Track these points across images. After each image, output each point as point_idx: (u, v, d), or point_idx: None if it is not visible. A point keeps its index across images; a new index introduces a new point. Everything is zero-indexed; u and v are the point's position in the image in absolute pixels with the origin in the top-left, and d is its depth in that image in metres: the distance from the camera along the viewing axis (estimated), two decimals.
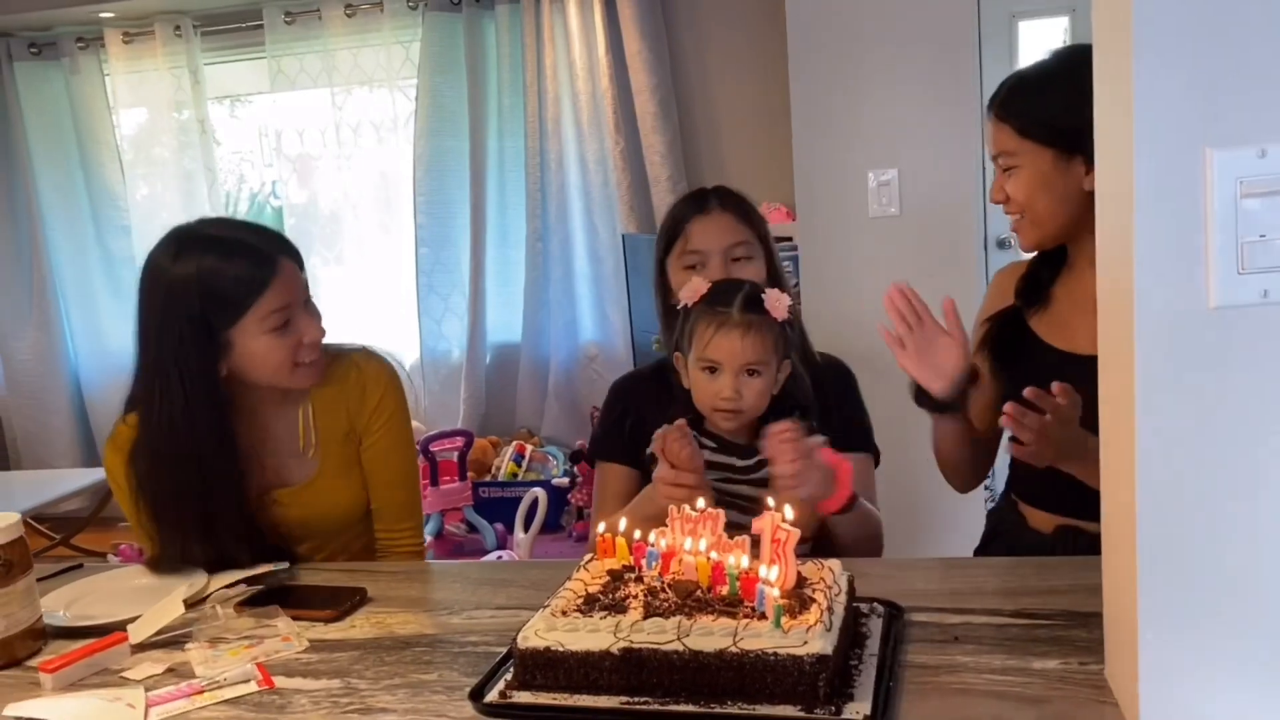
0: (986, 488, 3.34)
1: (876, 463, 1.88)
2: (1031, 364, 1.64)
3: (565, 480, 3.92)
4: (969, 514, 3.21)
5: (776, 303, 1.60)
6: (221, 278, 1.59)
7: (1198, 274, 0.88)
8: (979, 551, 1.84)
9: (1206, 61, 0.85)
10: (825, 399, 1.75)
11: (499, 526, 3.81)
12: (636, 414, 1.77)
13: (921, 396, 1.63)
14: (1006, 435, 1.82)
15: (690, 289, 1.63)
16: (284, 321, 1.64)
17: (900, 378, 1.68)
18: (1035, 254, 1.73)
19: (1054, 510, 1.64)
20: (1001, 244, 4.33)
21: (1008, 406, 1.43)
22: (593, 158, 4.19)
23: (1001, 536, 1.77)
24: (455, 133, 4.29)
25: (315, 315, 1.71)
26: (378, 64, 4.44)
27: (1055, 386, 1.42)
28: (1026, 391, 1.43)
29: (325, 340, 1.74)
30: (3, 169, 4.75)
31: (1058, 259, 1.69)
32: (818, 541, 1.67)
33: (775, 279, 1.80)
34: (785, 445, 1.47)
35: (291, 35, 4.47)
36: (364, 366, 1.82)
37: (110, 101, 4.70)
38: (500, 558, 3.48)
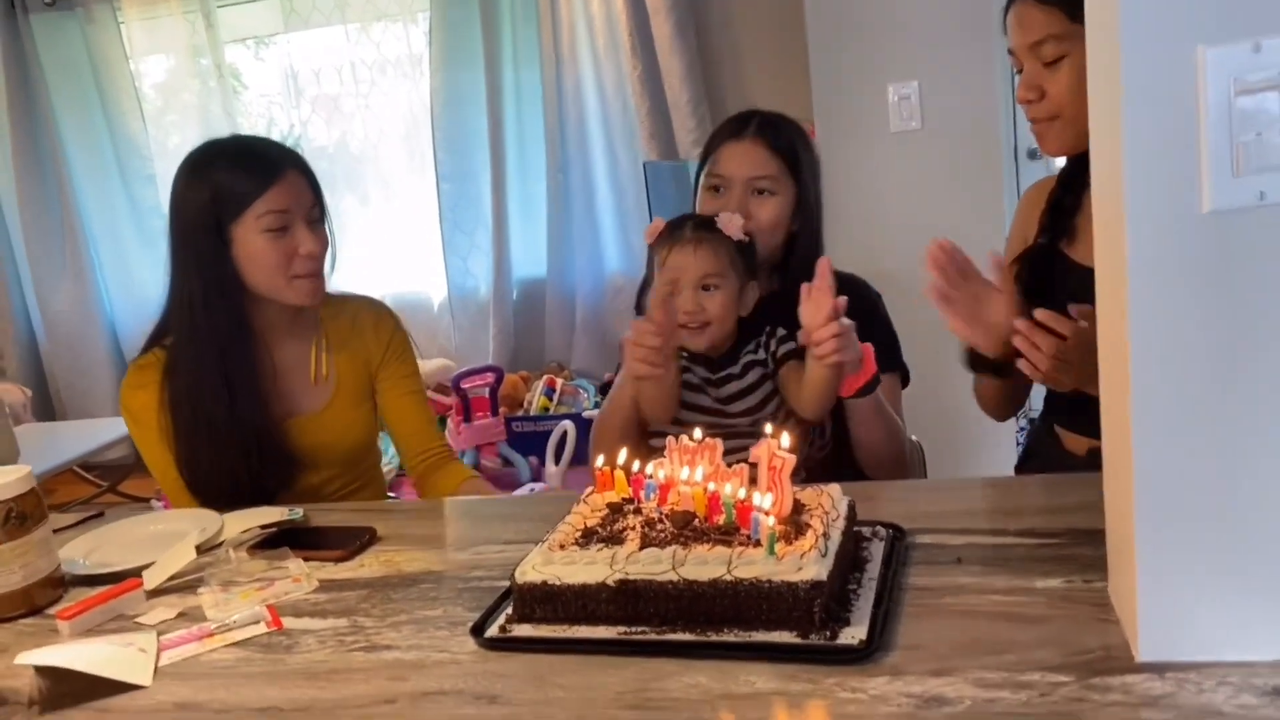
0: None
1: (905, 383, 1.86)
2: (1067, 290, 1.57)
3: (596, 412, 3.93)
4: (1000, 433, 3.18)
5: (729, 223, 1.64)
6: (230, 177, 1.71)
7: (1191, 178, 0.84)
8: (1016, 472, 1.81)
9: None
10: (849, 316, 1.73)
11: (533, 460, 3.84)
12: None
13: (975, 359, 1.55)
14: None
15: (650, 229, 1.69)
16: (281, 225, 1.71)
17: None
18: (1055, 186, 1.66)
19: (1086, 433, 1.59)
20: (1033, 154, 4.20)
21: (1018, 323, 1.38)
22: (610, 85, 4.12)
23: (1036, 458, 1.74)
24: (470, 65, 4.23)
25: (319, 234, 1.77)
26: None
27: (1074, 309, 1.36)
28: (1038, 314, 1.36)
29: (339, 289, 1.87)
30: (26, 122, 4.76)
31: (1077, 183, 1.62)
32: (839, 458, 1.67)
33: (803, 217, 1.77)
34: (824, 305, 1.48)
35: None
36: (377, 308, 1.97)
37: (127, 50, 4.68)
38: (534, 490, 3.51)
